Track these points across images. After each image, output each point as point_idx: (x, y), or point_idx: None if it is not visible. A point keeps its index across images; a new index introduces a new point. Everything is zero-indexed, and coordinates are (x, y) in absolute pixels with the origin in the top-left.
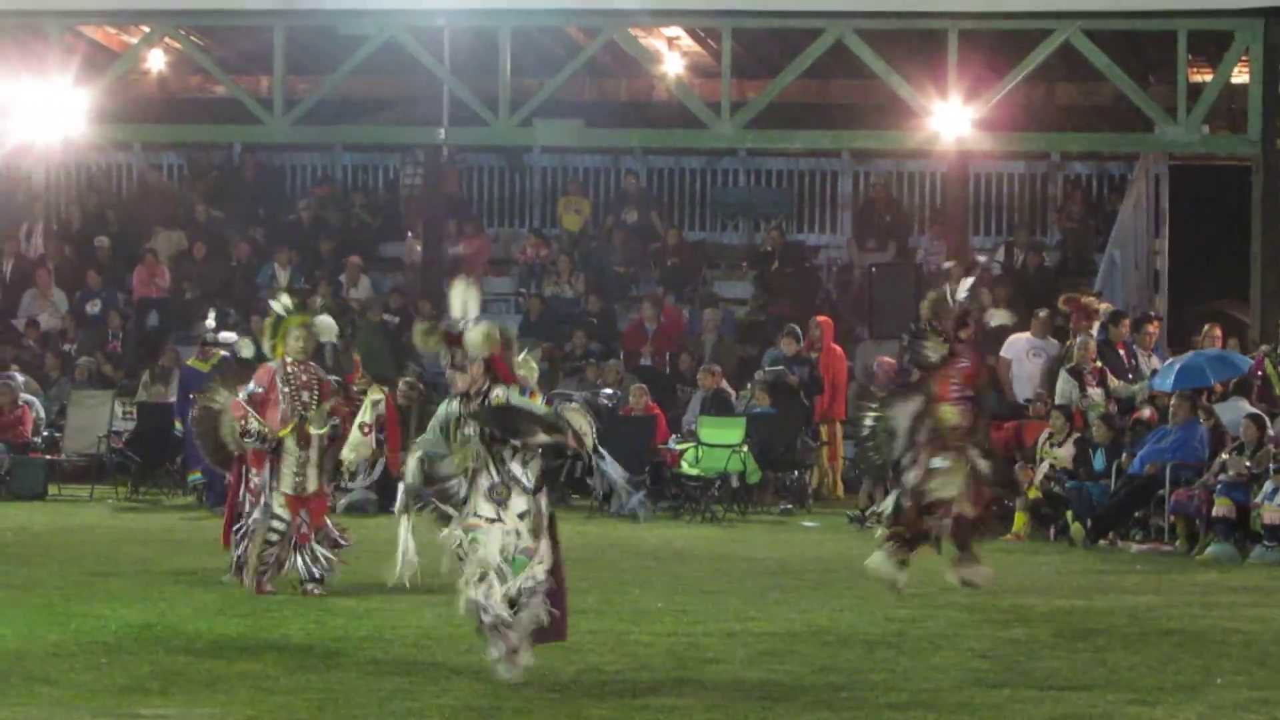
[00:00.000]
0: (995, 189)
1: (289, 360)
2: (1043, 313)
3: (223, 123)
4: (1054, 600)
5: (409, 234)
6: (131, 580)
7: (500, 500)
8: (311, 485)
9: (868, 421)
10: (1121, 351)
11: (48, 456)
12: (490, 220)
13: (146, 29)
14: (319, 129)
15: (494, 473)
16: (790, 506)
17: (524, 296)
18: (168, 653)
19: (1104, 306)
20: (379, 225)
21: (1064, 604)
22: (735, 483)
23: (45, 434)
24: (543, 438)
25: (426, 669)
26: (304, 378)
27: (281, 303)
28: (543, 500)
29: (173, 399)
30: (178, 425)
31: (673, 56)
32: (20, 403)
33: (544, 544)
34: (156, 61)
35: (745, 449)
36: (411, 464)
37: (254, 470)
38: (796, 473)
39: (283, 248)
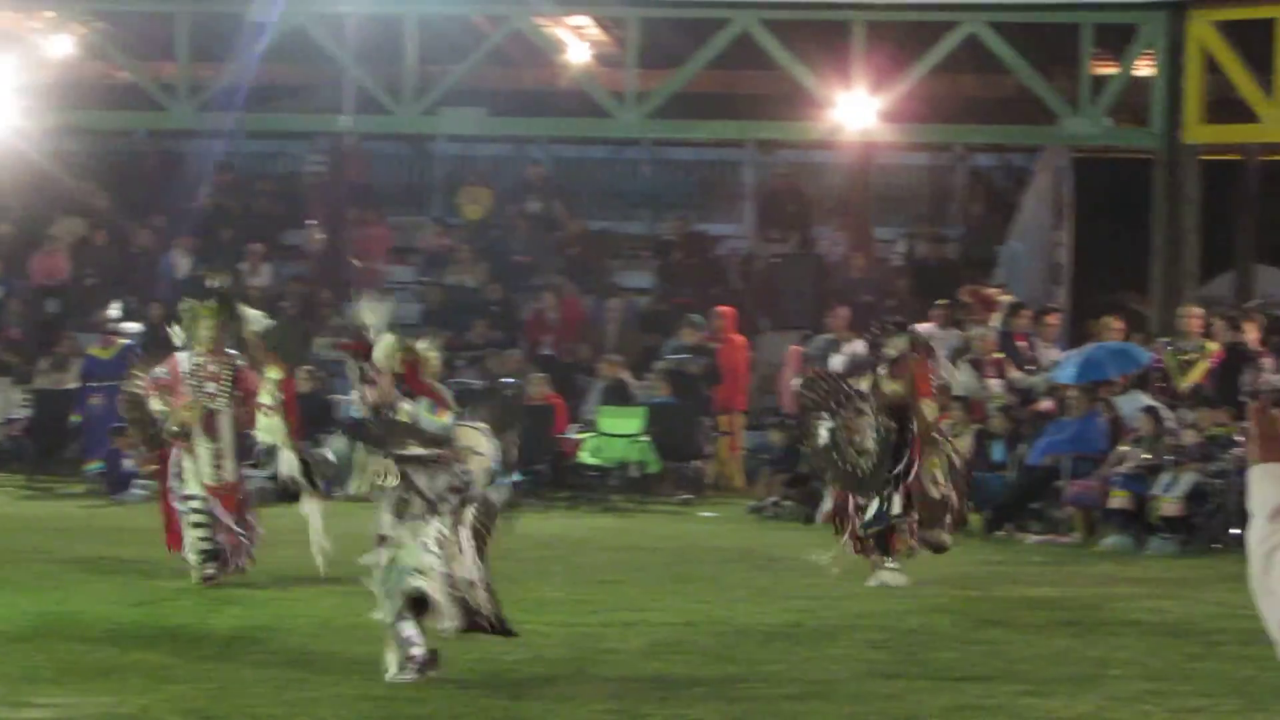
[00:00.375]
0: (898, 180)
1: (198, 350)
2: (941, 304)
3: (126, 109)
4: (951, 591)
5: (311, 222)
6: (27, 569)
7: (403, 515)
8: (228, 475)
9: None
10: (1022, 343)
11: None
12: (393, 209)
13: (52, 14)
14: (222, 116)
15: (401, 487)
16: (689, 496)
17: (425, 285)
18: (63, 642)
19: (1006, 299)
20: (281, 213)
21: (961, 595)
22: (634, 472)
23: None
24: (416, 450)
25: (322, 658)
26: (212, 368)
27: (202, 292)
28: (460, 512)
29: (72, 386)
30: (74, 415)
31: (578, 46)
32: None
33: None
34: (62, 47)
35: (645, 439)
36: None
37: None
38: (696, 463)
39: (184, 235)
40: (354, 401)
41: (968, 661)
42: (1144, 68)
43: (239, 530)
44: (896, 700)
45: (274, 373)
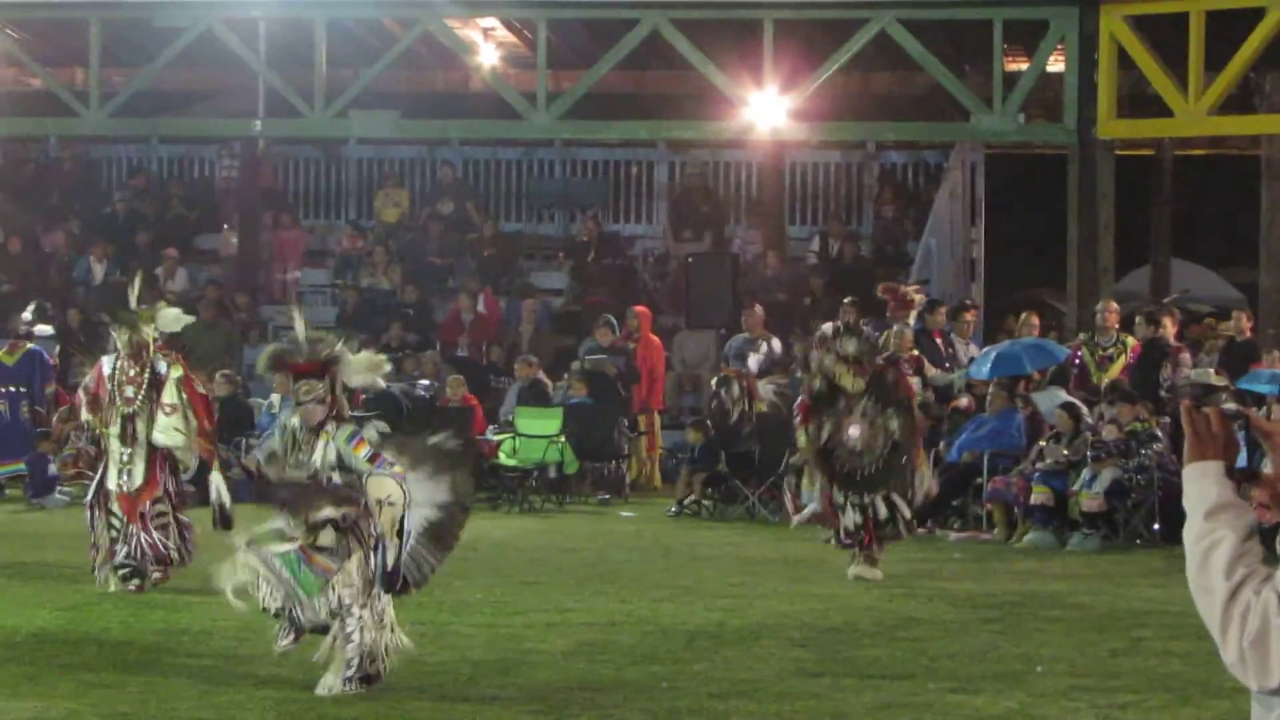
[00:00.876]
0: (811, 178)
1: (119, 356)
2: (848, 301)
3: (38, 115)
4: (873, 589)
5: (225, 226)
6: None
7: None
8: (137, 481)
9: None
10: (938, 340)
11: None
12: (307, 212)
13: None
14: (135, 121)
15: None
16: (608, 497)
17: (340, 288)
18: None
19: (920, 297)
20: (195, 217)
21: (883, 592)
22: (553, 473)
23: None
24: (328, 512)
25: (249, 662)
26: (131, 373)
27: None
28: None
29: None
30: None
31: (488, 48)
32: None
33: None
34: None
35: (563, 439)
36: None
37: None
38: (614, 463)
39: (99, 241)
40: (281, 425)
41: (892, 659)
42: (1056, 63)
43: (144, 538)
44: (822, 699)
45: (176, 370)
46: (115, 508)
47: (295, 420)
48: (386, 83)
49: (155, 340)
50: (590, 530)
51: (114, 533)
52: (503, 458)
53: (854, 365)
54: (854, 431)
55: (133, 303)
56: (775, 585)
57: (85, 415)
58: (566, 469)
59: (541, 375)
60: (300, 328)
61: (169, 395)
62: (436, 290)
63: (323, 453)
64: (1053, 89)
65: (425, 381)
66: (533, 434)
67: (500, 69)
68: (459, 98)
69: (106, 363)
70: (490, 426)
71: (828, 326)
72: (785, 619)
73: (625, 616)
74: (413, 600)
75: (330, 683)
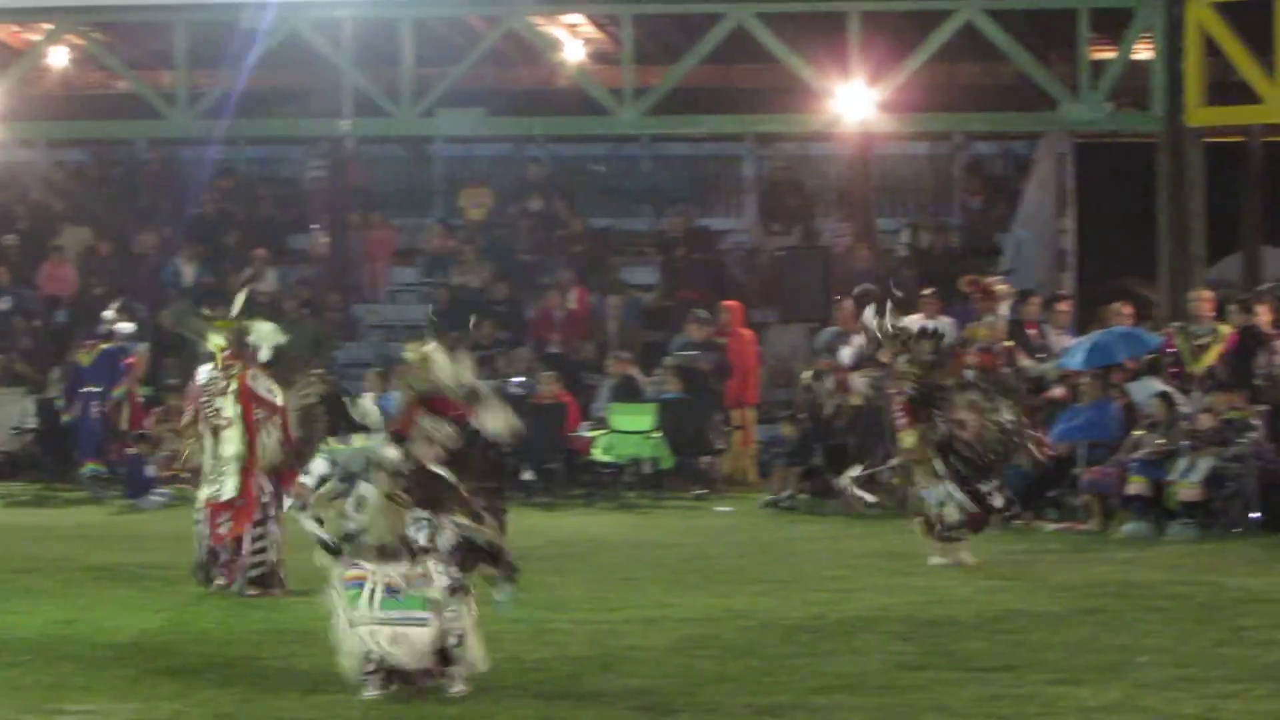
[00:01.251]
0: (899, 170)
1: (214, 365)
2: (928, 292)
3: (127, 119)
4: (973, 581)
5: (313, 226)
6: (51, 577)
7: (394, 556)
8: (226, 494)
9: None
10: (1032, 331)
11: None
12: (395, 211)
13: (49, 26)
14: (222, 123)
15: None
16: (703, 492)
17: (431, 287)
18: (91, 649)
19: (1004, 289)
20: (284, 218)
21: (983, 584)
22: (648, 469)
23: None
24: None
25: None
26: (221, 384)
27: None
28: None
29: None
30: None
31: (573, 44)
32: None
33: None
34: (59, 58)
35: (657, 435)
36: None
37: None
38: (709, 458)
39: (188, 242)
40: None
41: (993, 651)
42: (1143, 51)
43: (220, 549)
44: (925, 692)
45: (233, 385)
46: (200, 516)
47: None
48: (472, 80)
49: (224, 350)
50: (686, 525)
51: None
52: (597, 454)
53: (931, 368)
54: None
55: (234, 311)
56: (873, 579)
57: (185, 422)
58: (661, 464)
59: (634, 371)
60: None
61: (227, 408)
62: (527, 287)
63: None
64: (1140, 77)
65: (518, 379)
66: (627, 430)
67: (586, 65)
68: (545, 94)
69: (203, 372)
70: (584, 423)
71: (900, 322)
72: (885, 612)
73: (724, 611)
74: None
75: (460, 681)
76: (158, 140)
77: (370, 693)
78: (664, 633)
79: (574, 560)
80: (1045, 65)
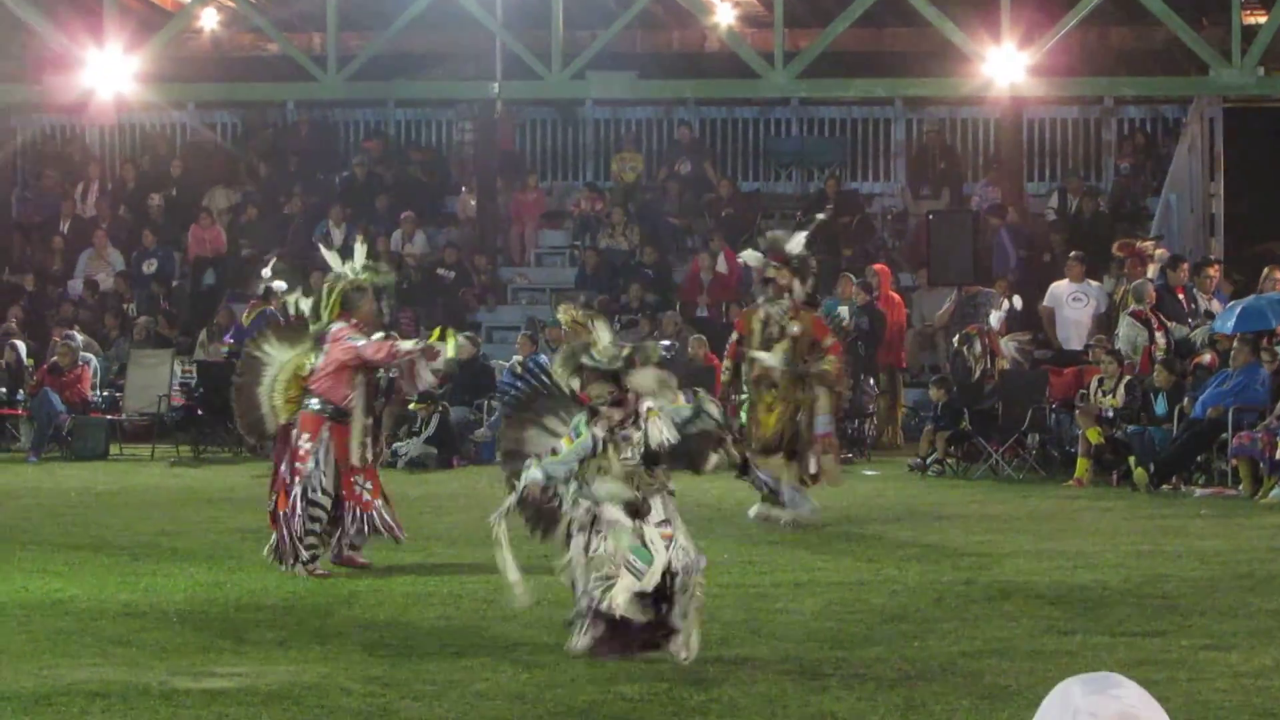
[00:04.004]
0: (1049, 134)
1: (354, 324)
2: (1074, 256)
3: (276, 81)
4: (1121, 546)
5: (463, 189)
6: (198, 539)
7: (641, 514)
8: (370, 454)
9: None
10: (1181, 296)
11: (108, 416)
12: (544, 174)
13: None
14: (372, 85)
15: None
16: (851, 455)
17: (579, 249)
18: (238, 611)
19: (1159, 252)
20: (433, 180)
21: (1131, 550)
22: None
23: (105, 394)
24: (714, 460)
25: (494, 625)
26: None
27: (350, 265)
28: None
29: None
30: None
31: (724, 7)
32: (80, 362)
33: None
34: (209, 21)
35: None
36: (532, 476)
37: (306, 438)
38: (857, 421)
39: (337, 204)
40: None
41: (1142, 616)
42: None
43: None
44: (1074, 656)
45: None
46: (324, 493)
47: (597, 431)
48: (623, 44)
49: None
50: (834, 489)
51: (316, 525)
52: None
53: None
54: None
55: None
56: (1022, 543)
57: (405, 345)
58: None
59: None
60: (604, 336)
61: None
62: (675, 250)
63: (656, 431)
64: None
65: (666, 342)
66: None
67: (737, 28)
68: (695, 58)
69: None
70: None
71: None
72: (1033, 577)
73: (873, 575)
74: None
75: (691, 643)
76: (306, 102)
77: (581, 643)
78: (813, 596)
79: (722, 524)
80: (1196, 29)
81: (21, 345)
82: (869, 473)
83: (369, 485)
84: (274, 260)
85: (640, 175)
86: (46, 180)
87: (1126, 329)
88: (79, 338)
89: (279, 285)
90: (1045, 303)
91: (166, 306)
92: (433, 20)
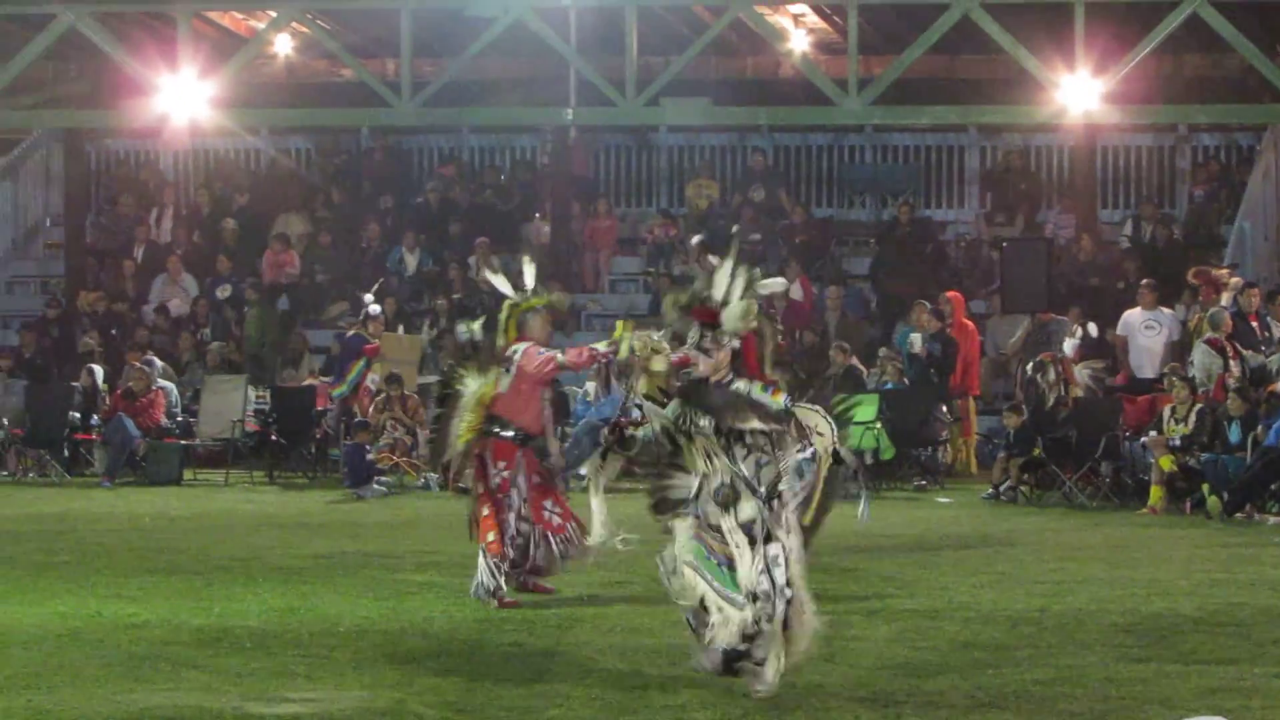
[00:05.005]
0: (1123, 162)
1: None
2: (1146, 283)
3: (350, 106)
4: (1194, 574)
5: (537, 214)
6: (272, 564)
7: (726, 504)
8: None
9: None
10: (1254, 323)
11: (182, 441)
12: (618, 200)
13: (273, 14)
14: (447, 111)
15: (723, 473)
16: (925, 483)
17: (653, 276)
18: (312, 636)
19: (1234, 280)
20: (507, 206)
21: (1204, 578)
22: (869, 459)
23: (179, 419)
24: (756, 424)
25: (570, 650)
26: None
27: (519, 288)
28: (780, 508)
29: (306, 382)
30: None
31: (798, 34)
32: (154, 387)
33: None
34: (283, 46)
35: (879, 425)
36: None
37: (503, 465)
38: (931, 448)
39: (411, 230)
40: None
41: (1215, 645)
42: None
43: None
44: (1147, 684)
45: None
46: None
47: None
48: (697, 70)
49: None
50: (908, 516)
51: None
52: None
53: None
54: None
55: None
56: (1095, 571)
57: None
58: (883, 455)
59: (855, 361)
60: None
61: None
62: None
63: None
64: None
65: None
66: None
67: (811, 55)
68: (769, 84)
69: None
70: None
71: None
72: (1107, 604)
73: (946, 603)
74: None
75: (771, 675)
76: (380, 128)
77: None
78: (886, 623)
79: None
80: (1270, 57)
81: (99, 370)
82: (942, 500)
83: (558, 510)
84: (377, 286)
85: (714, 202)
86: (120, 205)
87: (1202, 356)
88: (157, 363)
89: (375, 309)
90: (1118, 331)
91: (240, 332)
92: (507, 46)
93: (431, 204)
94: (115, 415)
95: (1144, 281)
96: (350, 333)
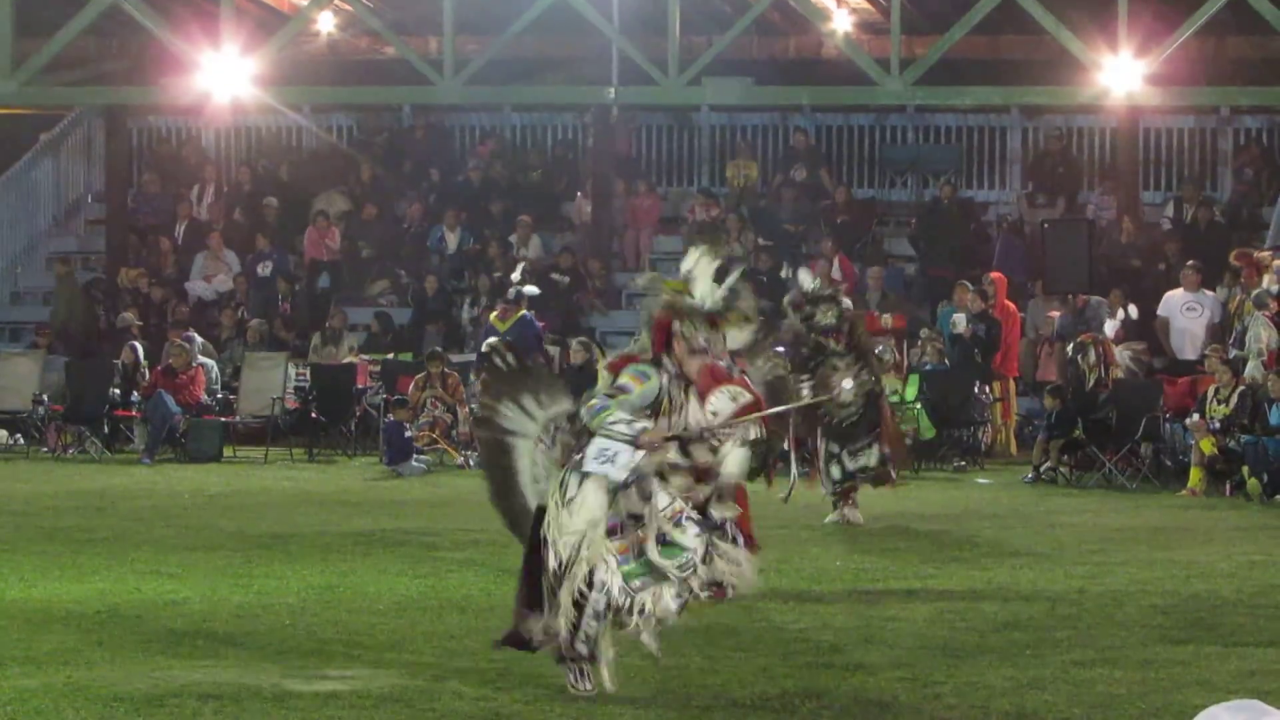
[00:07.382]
0: (1165, 143)
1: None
2: (1190, 265)
3: (392, 84)
4: (1234, 556)
5: (579, 193)
6: (311, 542)
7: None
8: None
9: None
10: None
11: (223, 418)
12: (659, 179)
13: None
14: (489, 90)
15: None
16: (964, 463)
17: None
18: (351, 614)
19: (1276, 262)
20: (549, 185)
21: (1244, 559)
22: (909, 439)
23: (219, 396)
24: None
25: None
26: None
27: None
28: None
29: (344, 360)
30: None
31: (841, 13)
32: (195, 364)
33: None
34: (326, 24)
35: (918, 406)
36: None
37: None
38: (971, 429)
39: (452, 208)
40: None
41: (1256, 627)
42: None
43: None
44: (1186, 666)
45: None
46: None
47: (664, 382)
48: (739, 49)
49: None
50: (947, 497)
51: None
52: None
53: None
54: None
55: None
56: (1134, 552)
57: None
58: (922, 435)
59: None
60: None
61: None
62: (790, 256)
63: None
64: None
65: (782, 348)
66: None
67: (853, 35)
68: (811, 64)
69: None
70: None
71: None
72: (1146, 586)
73: (986, 584)
74: (771, 568)
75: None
76: (422, 106)
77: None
78: (926, 604)
79: (834, 531)
80: None
81: (140, 346)
82: (982, 481)
83: None
84: (522, 264)
85: (755, 181)
86: (161, 182)
87: (1261, 328)
88: (198, 340)
89: (530, 289)
90: (1160, 312)
91: (287, 309)
92: (549, 25)
93: (473, 182)
94: (155, 392)
95: (1189, 263)
96: (514, 315)
